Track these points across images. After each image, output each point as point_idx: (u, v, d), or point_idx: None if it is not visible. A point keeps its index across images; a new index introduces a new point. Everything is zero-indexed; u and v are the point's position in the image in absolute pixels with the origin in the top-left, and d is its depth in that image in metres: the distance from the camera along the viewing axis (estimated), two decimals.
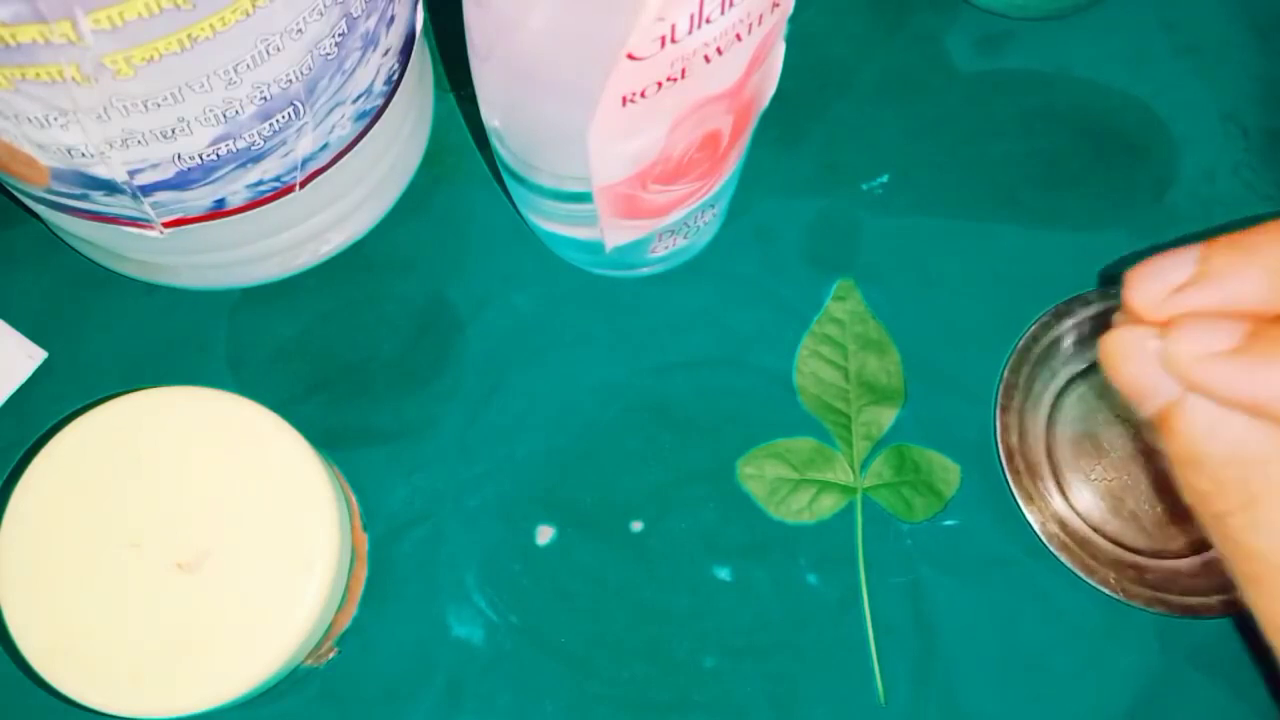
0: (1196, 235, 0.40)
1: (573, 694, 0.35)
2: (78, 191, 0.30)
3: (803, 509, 0.36)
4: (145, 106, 0.27)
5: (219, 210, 0.32)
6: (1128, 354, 0.29)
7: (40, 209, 0.33)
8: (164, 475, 0.30)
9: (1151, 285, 0.29)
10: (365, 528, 0.36)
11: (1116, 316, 0.31)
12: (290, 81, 0.29)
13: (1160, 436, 0.29)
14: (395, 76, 0.34)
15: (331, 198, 0.36)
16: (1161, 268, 0.29)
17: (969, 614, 0.36)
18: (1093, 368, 0.38)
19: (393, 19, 0.32)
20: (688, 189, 0.32)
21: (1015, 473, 0.36)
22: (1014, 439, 0.37)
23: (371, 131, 0.34)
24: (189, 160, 0.30)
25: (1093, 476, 0.37)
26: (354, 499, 0.35)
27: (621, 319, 0.38)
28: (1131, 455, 0.37)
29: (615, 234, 0.33)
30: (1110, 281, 0.38)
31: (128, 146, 0.28)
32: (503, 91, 0.30)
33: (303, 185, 0.33)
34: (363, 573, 0.35)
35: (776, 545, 0.36)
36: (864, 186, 0.40)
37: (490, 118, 0.31)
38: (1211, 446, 0.28)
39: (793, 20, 0.29)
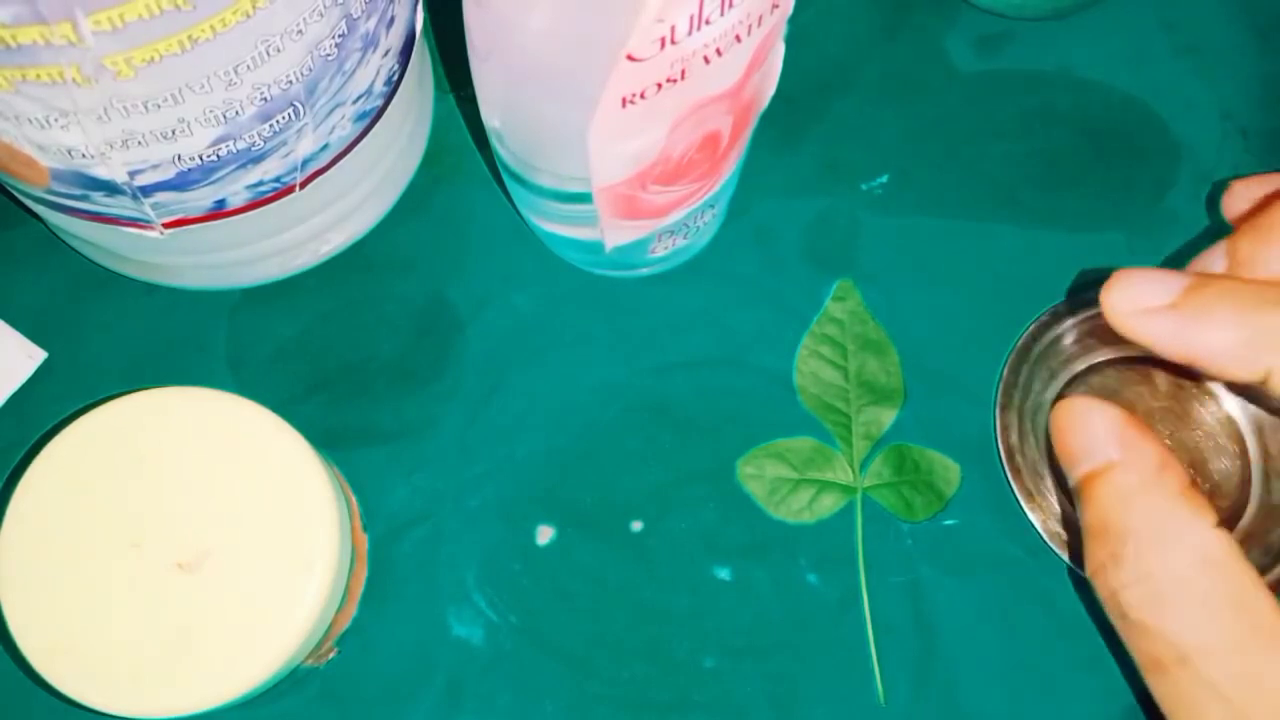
0: (1196, 237, 0.40)
1: (573, 694, 0.35)
2: (78, 192, 0.30)
3: (803, 509, 0.36)
4: (145, 107, 0.27)
5: (219, 211, 0.32)
6: (1074, 419, 0.30)
7: (40, 210, 0.33)
8: (164, 475, 0.30)
9: (1128, 294, 0.29)
10: (365, 528, 0.36)
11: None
12: (290, 82, 0.29)
13: (1078, 505, 0.30)
14: (395, 77, 0.34)
15: (332, 198, 0.36)
16: (1145, 282, 0.29)
17: (969, 614, 0.36)
18: (1093, 368, 0.38)
19: (393, 20, 0.32)
20: (688, 189, 0.32)
21: (1016, 472, 0.36)
22: (1014, 438, 0.37)
23: (371, 132, 0.34)
24: (189, 161, 0.30)
25: None
26: (354, 499, 0.35)
27: (621, 319, 0.39)
28: None
29: (615, 234, 0.33)
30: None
31: (128, 147, 0.28)
32: (502, 92, 0.30)
33: (303, 186, 0.33)
34: (363, 573, 0.35)
35: (776, 545, 0.36)
36: (864, 186, 0.40)
37: (490, 118, 0.31)
38: (1120, 518, 0.28)
39: (793, 20, 0.29)
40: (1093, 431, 0.29)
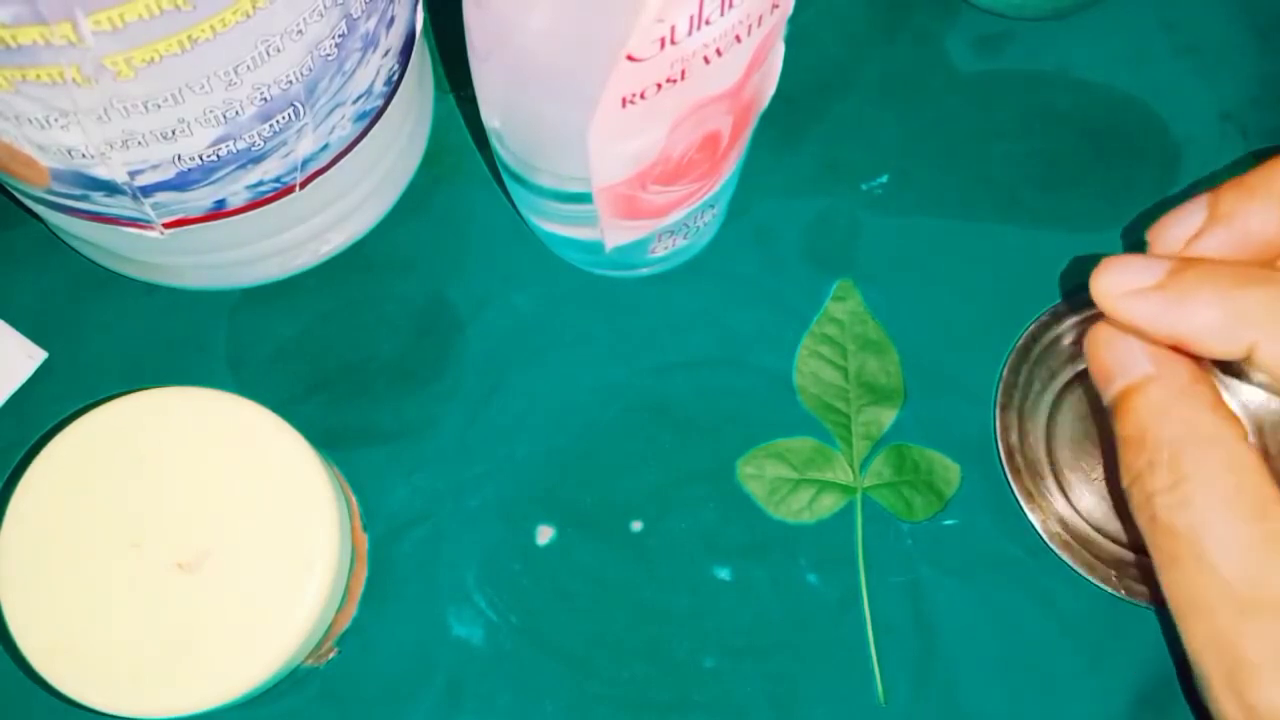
0: None
1: (573, 694, 0.35)
2: (78, 192, 0.30)
3: (803, 509, 0.36)
4: (145, 108, 0.27)
5: (219, 211, 0.32)
6: (1107, 341, 0.31)
7: (40, 210, 0.33)
8: (164, 475, 0.30)
9: (1115, 278, 0.30)
10: (365, 528, 0.36)
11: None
12: (290, 82, 0.29)
13: (1115, 421, 0.31)
14: (395, 77, 0.34)
15: (332, 198, 0.36)
16: (1131, 267, 0.31)
17: (969, 614, 0.36)
18: None
19: (393, 20, 0.32)
20: (687, 189, 0.32)
21: (1015, 472, 0.36)
22: (1014, 438, 0.37)
23: (371, 132, 0.34)
24: (189, 161, 0.30)
25: (1094, 476, 0.37)
26: (354, 499, 0.35)
27: (621, 319, 0.39)
28: None
29: (615, 234, 0.33)
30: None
31: (128, 147, 0.28)
32: (502, 92, 0.30)
33: (303, 186, 0.33)
34: (363, 573, 0.35)
35: (776, 545, 0.36)
36: (864, 186, 0.40)
37: (490, 118, 0.31)
38: (1157, 427, 0.30)
39: (793, 20, 0.29)
40: (1128, 349, 0.30)
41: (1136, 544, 0.36)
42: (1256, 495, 0.29)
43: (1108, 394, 0.31)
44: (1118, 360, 0.31)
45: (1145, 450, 0.30)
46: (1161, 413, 0.30)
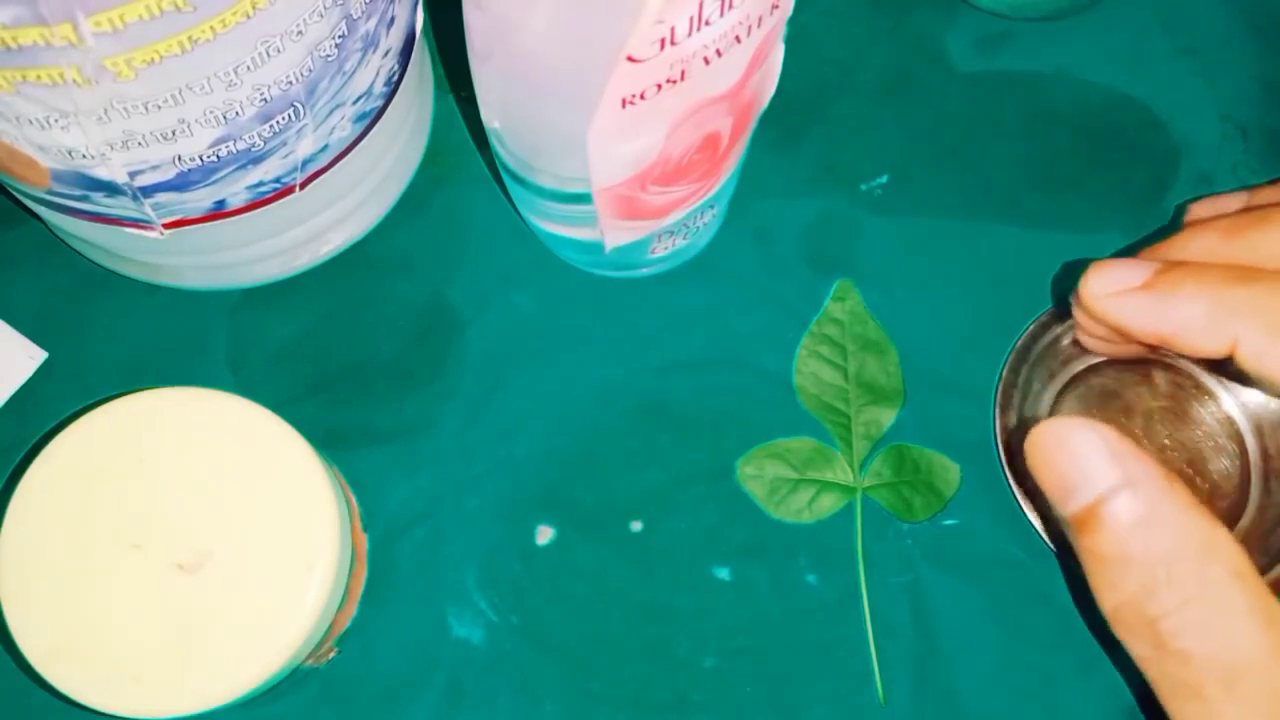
0: None
1: (573, 694, 0.35)
2: (78, 193, 0.30)
3: (802, 509, 0.37)
4: (146, 108, 0.27)
5: (219, 211, 0.32)
6: (1058, 444, 0.28)
7: (41, 210, 0.33)
8: (164, 476, 0.30)
9: (1103, 280, 0.30)
10: (365, 528, 0.36)
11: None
12: (290, 83, 0.29)
13: (1082, 536, 0.28)
14: (395, 78, 0.34)
15: (332, 198, 0.36)
16: (1119, 268, 0.30)
17: (969, 614, 0.36)
18: (1092, 369, 0.38)
19: (393, 20, 0.32)
20: (687, 190, 0.32)
21: (1015, 472, 0.36)
22: (1014, 439, 0.37)
23: (371, 132, 0.34)
24: (189, 162, 0.30)
25: None
26: (354, 499, 0.35)
27: (621, 319, 0.39)
28: None
29: (615, 235, 0.33)
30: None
31: (128, 148, 0.28)
32: (502, 93, 0.30)
33: (303, 186, 0.33)
34: (363, 573, 0.35)
35: (776, 545, 0.36)
36: (863, 186, 0.40)
37: (490, 119, 0.32)
38: (1143, 544, 0.27)
39: (793, 21, 0.29)
40: (1085, 456, 0.27)
41: None
42: (1262, 599, 0.26)
43: (1069, 508, 0.28)
44: (1073, 470, 0.27)
45: (1132, 570, 0.27)
46: (1145, 525, 0.27)
